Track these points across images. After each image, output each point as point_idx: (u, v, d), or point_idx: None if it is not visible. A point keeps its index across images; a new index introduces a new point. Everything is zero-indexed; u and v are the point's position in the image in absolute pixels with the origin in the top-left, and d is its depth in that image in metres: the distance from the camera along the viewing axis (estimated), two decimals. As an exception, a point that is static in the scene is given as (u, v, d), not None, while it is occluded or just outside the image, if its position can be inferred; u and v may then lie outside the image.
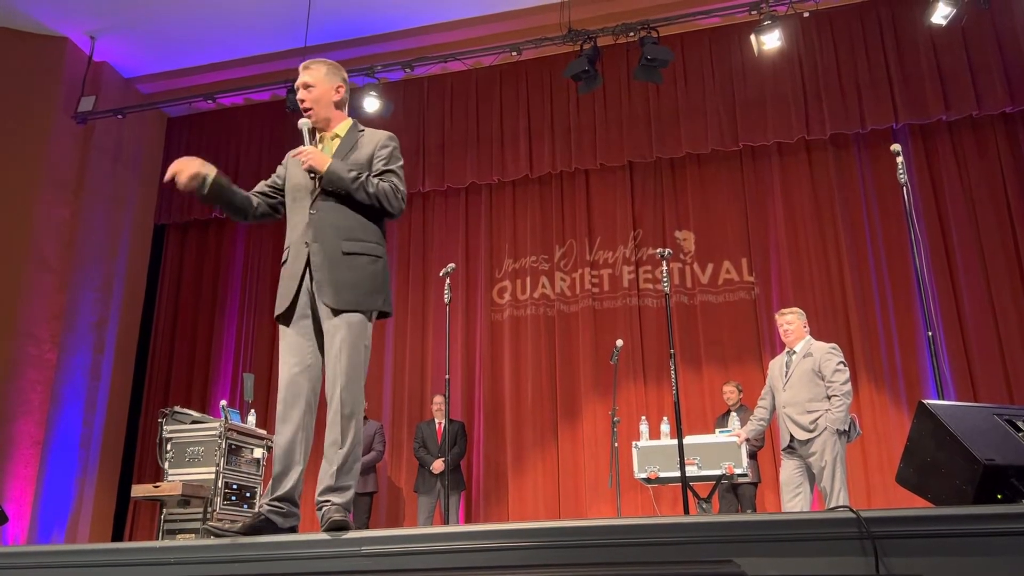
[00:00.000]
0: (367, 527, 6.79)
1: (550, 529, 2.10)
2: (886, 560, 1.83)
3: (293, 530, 2.65)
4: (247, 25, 8.10)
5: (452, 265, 5.82)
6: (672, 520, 2.06)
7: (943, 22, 6.69)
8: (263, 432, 5.90)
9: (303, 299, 2.76)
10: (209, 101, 8.23)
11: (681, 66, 7.89)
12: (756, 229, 7.73)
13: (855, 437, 4.93)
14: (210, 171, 2.75)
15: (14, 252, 7.60)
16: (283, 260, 2.86)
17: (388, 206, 2.79)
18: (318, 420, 2.73)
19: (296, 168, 2.88)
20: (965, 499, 2.21)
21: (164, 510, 5.32)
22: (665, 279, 5.10)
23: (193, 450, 5.46)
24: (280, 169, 3.02)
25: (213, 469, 5.34)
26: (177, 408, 5.76)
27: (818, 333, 5.83)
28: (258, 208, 2.96)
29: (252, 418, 6.10)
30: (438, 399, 7.35)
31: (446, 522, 6.36)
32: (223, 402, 5.75)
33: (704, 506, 5.51)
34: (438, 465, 6.97)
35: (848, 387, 4.82)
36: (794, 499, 4.85)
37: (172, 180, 2.73)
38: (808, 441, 4.78)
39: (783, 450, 4.98)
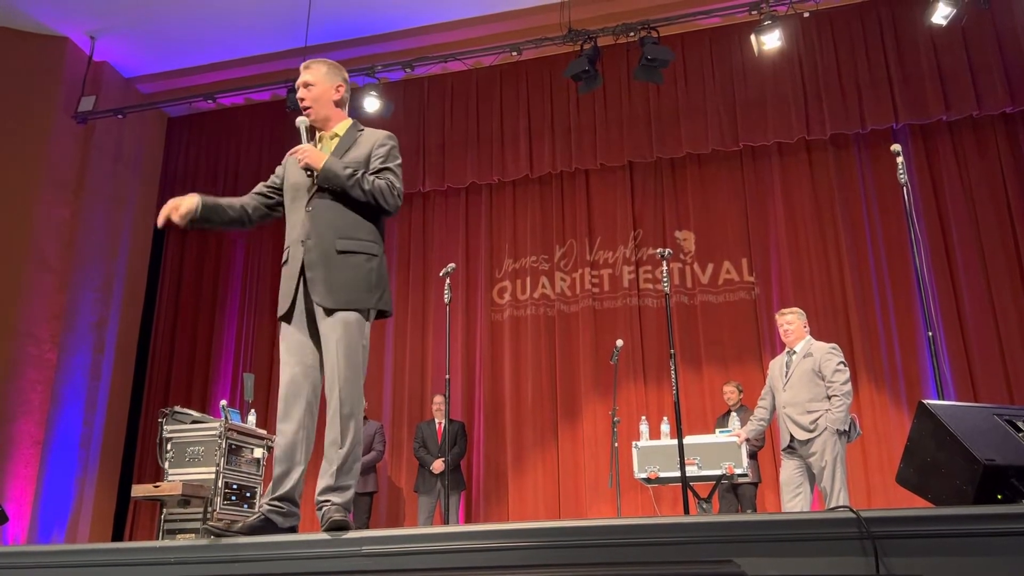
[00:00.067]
0: (367, 527, 6.79)
1: (550, 529, 2.10)
2: (886, 560, 1.83)
3: (293, 530, 2.65)
4: (247, 25, 8.10)
5: (452, 265, 5.82)
6: (672, 520, 2.06)
7: (943, 22, 6.69)
8: (263, 432, 5.90)
9: (301, 298, 2.76)
10: (209, 101, 8.23)
11: (681, 66, 7.89)
12: (756, 229, 7.73)
13: (855, 437, 4.93)
14: (195, 199, 2.80)
15: (14, 252, 7.60)
16: (283, 260, 2.86)
17: (384, 203, 2.78)
18: (319, 420, 2.74)
19: (295, 167, 2.88)
20: (965, 499, 2.21)
21: (164, 510, 5.32)
22: (665, 279, 5.10)
23: (193, 450, 5.46)
24: (279, 169, 3.02)
25: (213, 469, 5.34)
26: (177, 408, 5.76)
27: (818, 333, 5.83)
28: (254, 212, 2.97)
29: (252, 418, 6.11)
30: (438, 399, 7.35)
31: (446, 522, 6.37)
32: (223, 402, 5.75)
33: (704, 506, 5.51)
34: (438, 465, 6.97)
35: (848, 387, 4.82)
36: (794, 499, 4.84)
37: (167, 221, 2.79)
38: (808, 441, 4.77)
39: (783, 450, 4.97)
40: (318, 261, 2.72)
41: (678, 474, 4.99)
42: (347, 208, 2.77)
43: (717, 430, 6.15)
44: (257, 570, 2.28)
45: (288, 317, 2.77)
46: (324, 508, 2.55)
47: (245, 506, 5.51)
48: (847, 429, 4.77)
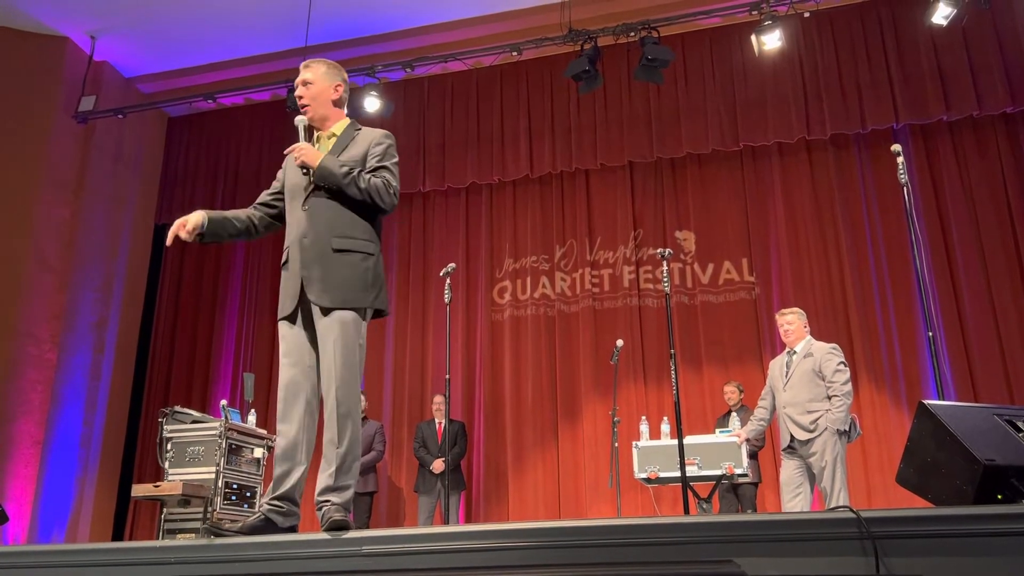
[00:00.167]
0: (367, 527, 6.79)
1: (550, 529, 2.10)
2: (886, 560, 1.83)
3: (293, 530, 2.65)
4: (247, 25, 8.10)
5: (452, 265, 5.82)
6: (672, 520, 2.06)
7: (943, 22, 6.69)
8: (263, 432, 5.90)
9: (301, 298, 2.76)
10: (209, 101, 8.23)
11: (681, 66, 7.89)
12: (756, 229, 7.73)
13: (855, 437, 4.93)
14: (201, 215, 2.81)
15: (14, 252, 7.60)
16: (283, 261, 2.86)
17: (380, 201, 2.78)
18: (319, 420, 2.74)
19: (294, 168, 2.88)
20: (965, 499, 2.21)
21: (164, 510, 5.32)
22: (665, 279, 5.10)
23: (193, 450, 5.45)
24: (280, 174, 3.02)
25: (213, 469, 5.34)
26: (177, 408, 5.75)
27: (818, 333, 5.83)
28: (260, 222, 2.98)
29: (252, 418, 6.10)
30: (438, 399, 7.35)
31: (446, 522, 6.37)
32: (223, 402, 5.75)
33: (704, 506, 5.51)
34: (438, 465, 6.97)
35: (848, 387, 4.82)
36: (794, 499, 4.84)
37: (176, 238, 2.81)
38: (808, 441, 4.78)
39: (783, 450, 4.97)
40: (314, 259, 2.72)
41: (678, 474, 4.99)
42: (344, 207, 2.77)
43: (717, 430, 6.15)
44: (257, 570, 2.28)
45: (291, 318, 2.77)
46: (324, 508, 2.55)
47: (245, 506, 5.50)
48: (847, 429, 4.77)
